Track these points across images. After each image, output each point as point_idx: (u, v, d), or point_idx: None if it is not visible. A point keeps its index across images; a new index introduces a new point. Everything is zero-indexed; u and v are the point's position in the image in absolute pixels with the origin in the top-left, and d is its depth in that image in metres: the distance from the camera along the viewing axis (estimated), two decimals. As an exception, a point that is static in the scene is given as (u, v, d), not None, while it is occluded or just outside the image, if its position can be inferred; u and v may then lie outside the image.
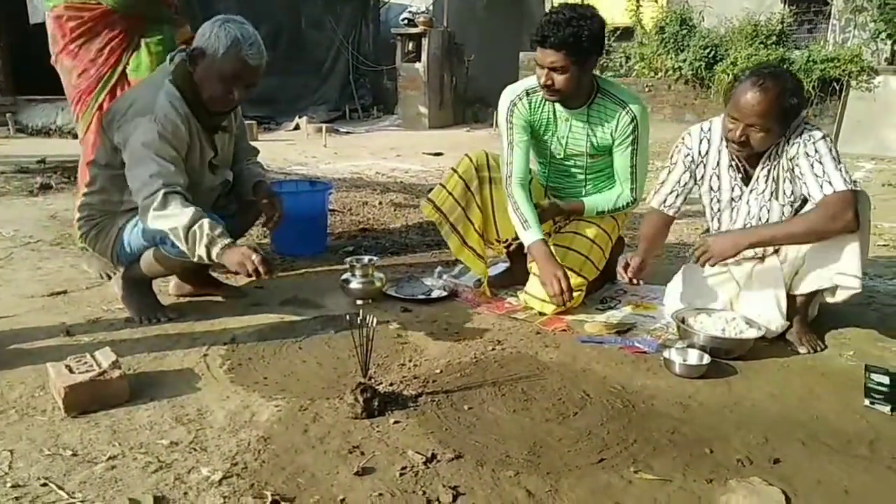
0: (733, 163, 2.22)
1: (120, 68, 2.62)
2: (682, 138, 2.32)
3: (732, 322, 2.16)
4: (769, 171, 2.15)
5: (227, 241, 2.01)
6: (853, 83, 7.97)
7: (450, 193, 2.57)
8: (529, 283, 2.52)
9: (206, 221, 1.99)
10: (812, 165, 2.03)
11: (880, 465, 1.53)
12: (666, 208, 2.37)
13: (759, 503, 1.35)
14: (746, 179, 2.21)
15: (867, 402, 1.81)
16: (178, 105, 2.10)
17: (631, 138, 2.39)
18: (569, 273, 2.38)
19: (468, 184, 2.57)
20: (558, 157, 2.51)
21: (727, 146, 2.16)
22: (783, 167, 2.12)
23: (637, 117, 2.37)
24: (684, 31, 9.26)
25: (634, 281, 2.30)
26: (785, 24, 8.91)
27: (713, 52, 8.95)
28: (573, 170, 2.54)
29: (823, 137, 2.05)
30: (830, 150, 2.03)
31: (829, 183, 1.99)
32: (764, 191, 2.18)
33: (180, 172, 2.08)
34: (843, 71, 7.99)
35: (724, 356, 2.06)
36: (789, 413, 1.77)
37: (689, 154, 2.29)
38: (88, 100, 2.63)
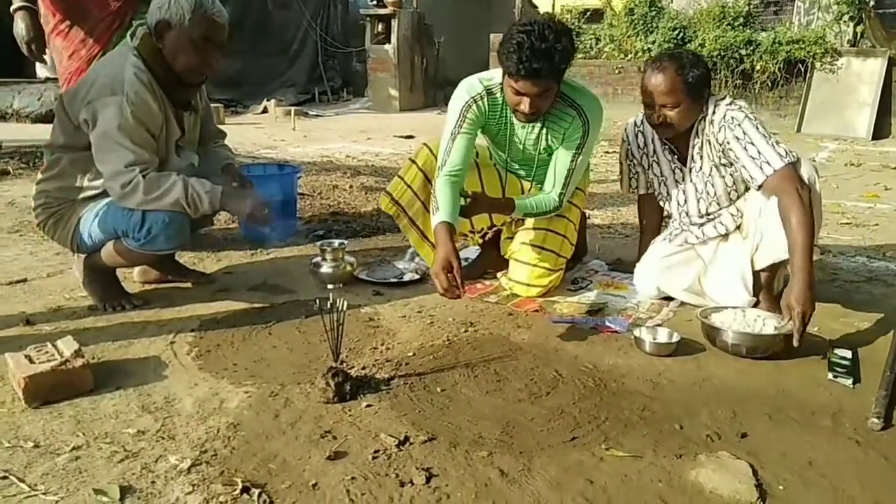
0: (666, 147, 2.34)
1: (111, 50, 2.49)
2: (623, 134, 2.48)
3: (759, 319, 2.07)
4: (700, 146, 2.25)
5: (220, 188, 2.09)
6: (817, 65, 8.10)
7: (408, 186, 2.48)
8: (512, 268, 2.49)
9: (192, 180, 2.04)
10: (745, 148, 2.10)
11: (842, 437, 1.56)
12: (633, 191, 2.59)
13: (727, 477, 1.37)
14: (683, 160, 2.33)
15: (830, 375, 1.86)
16: (146, 80, 2.04)
17: (578, 143, 2.27)
18: (550, 255, 2.41)
19: (428, 176, 2.45)
20: (512, 157, 2.44)
21: (656, 133, 2.30)
22: (714, 147, 2.21)
23: (589, 124, 2.25)
24: (653, 13, 9.31)
25: None
26: (752, 6, 9.03)
27: (682, 34, 9.01)
28: (522, 164, 2.47)
29: (746, 117, 2.12)
30: (758, 129, 2.10)
31: (768, 163, 2.06)
32: (702, 167, 2.28)
33: (153, 153, 2.08)
34: (808, 52, 8.11)
35: (750, 354, 1.96)
36: (756, 388, 1.80)
37: (628, 148, 2.48)
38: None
